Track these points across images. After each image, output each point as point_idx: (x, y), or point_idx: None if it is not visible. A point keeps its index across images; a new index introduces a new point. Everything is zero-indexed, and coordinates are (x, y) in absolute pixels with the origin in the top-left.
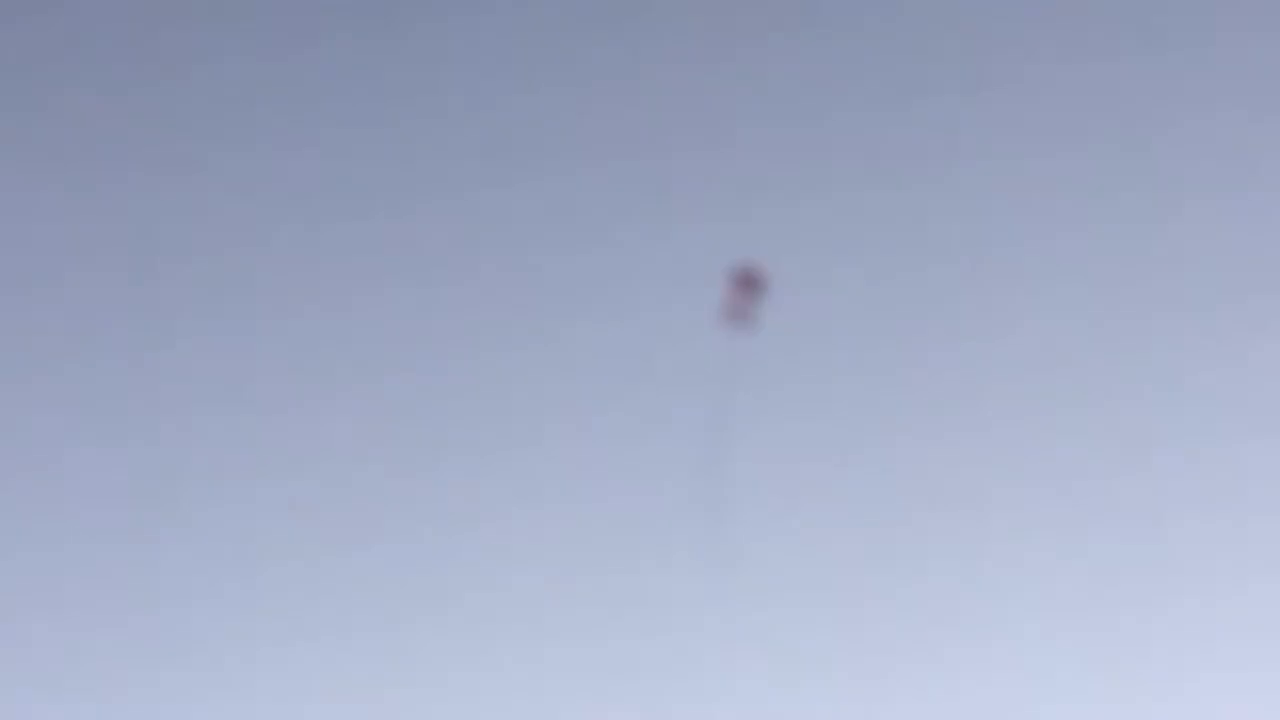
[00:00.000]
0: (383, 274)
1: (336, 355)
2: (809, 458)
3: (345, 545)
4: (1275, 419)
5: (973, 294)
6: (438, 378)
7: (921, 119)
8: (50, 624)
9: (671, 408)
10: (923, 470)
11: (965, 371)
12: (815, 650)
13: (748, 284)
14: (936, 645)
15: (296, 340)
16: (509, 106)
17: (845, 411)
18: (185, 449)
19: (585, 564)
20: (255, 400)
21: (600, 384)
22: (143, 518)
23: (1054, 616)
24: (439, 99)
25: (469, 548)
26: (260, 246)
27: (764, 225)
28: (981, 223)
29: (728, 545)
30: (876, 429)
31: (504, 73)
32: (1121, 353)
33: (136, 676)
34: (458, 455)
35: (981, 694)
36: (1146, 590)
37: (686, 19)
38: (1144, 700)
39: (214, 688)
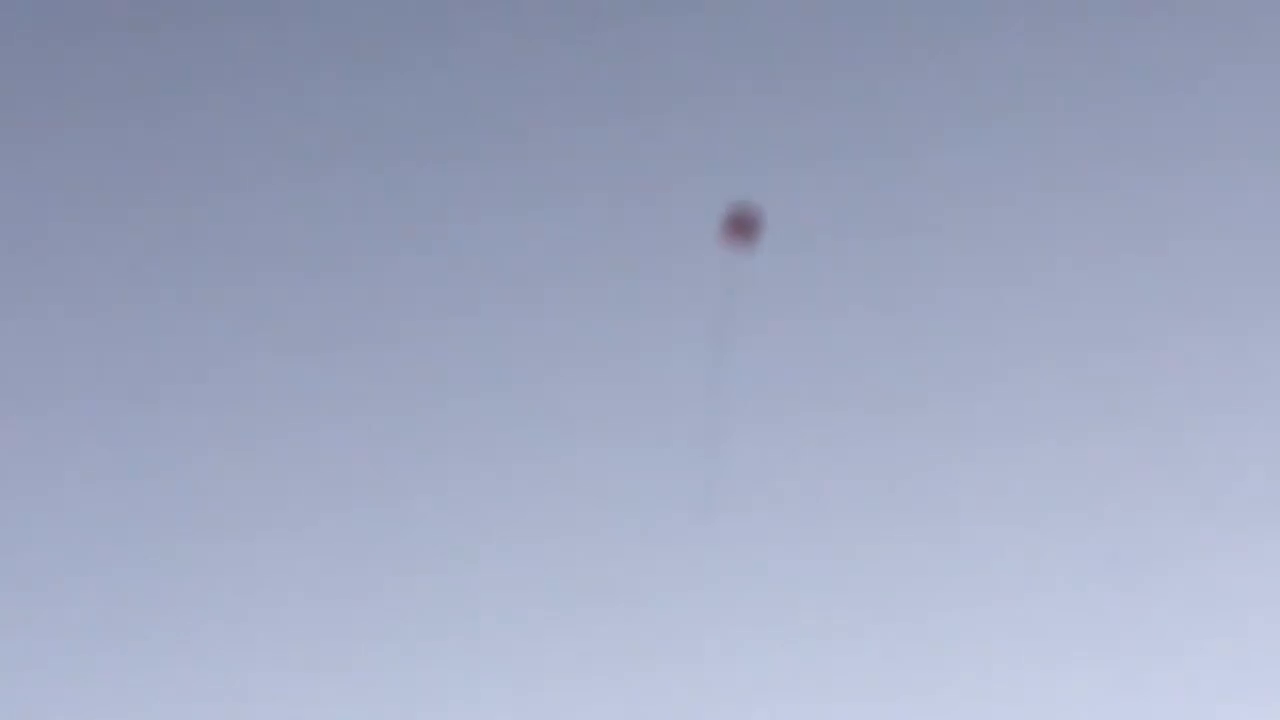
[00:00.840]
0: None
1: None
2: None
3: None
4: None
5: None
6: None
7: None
8: (49, 623)
9: (673, 341)
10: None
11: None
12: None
13: (741, 228)
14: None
15: (294, 324)
16: (516, 51)
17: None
18: (193, 453)
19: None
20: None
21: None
22: (143, 518)
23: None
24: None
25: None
26: (273, 245)
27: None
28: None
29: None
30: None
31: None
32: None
33: (136, 676)
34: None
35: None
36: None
37: None
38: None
39: (216, 687)
